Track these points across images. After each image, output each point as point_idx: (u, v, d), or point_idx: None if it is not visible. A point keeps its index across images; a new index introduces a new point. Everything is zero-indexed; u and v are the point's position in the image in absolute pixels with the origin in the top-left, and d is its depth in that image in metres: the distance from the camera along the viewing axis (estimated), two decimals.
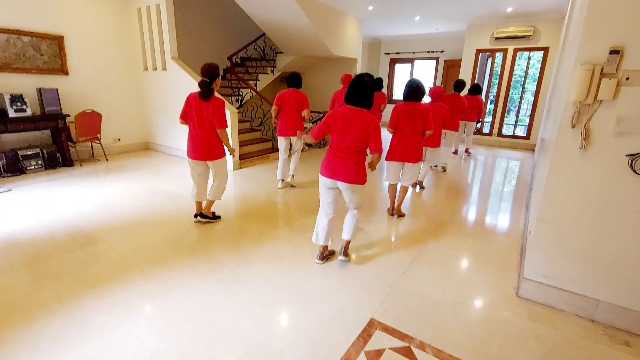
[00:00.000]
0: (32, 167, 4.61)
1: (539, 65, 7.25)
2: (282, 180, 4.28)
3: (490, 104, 8.20)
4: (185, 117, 2.92)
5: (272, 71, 7.08)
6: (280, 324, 1.94)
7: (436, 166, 5.34)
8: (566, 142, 1.85)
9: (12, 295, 2.10)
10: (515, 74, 7.87)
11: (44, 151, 4.73)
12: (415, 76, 10.33)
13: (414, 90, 3.15)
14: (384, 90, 6.56)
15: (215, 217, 3.25)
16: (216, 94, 2.89)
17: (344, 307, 2.08)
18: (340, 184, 2.32)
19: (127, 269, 2.42)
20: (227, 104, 5.00)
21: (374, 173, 5.03)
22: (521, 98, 8.17)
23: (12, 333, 1.78)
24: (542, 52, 6.98)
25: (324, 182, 2.37)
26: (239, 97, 6.37)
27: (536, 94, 7.25)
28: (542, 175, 2.54)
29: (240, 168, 5.21)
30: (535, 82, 7.34)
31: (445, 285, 2.34)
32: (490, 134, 7.94)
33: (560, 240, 1.98)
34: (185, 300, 2.09)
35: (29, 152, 4.58)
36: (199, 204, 3.17)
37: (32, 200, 3.64)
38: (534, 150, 7.05)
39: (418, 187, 4.50)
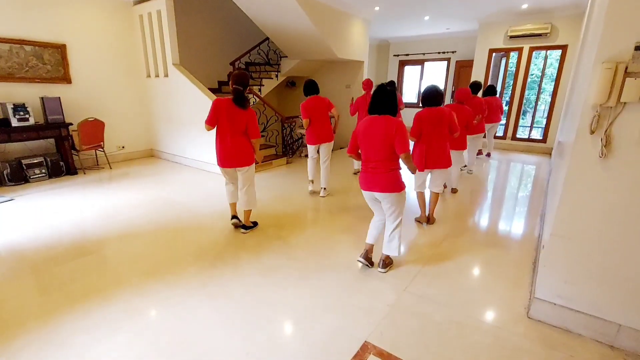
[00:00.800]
0: (36, 176, 4.63)
1: (556, 65, 6.88)
2: (312, 181, 4.28)
3: (505, 105, 7.85)
4: (212, 123, 2.84)
5: (277, 76, 6.98)
6: (268, 346, 1.78)
7: (464, 166, 5.28)
8: (584, 149, 1.63)
9: None
10: (532, 74, 7.51)
11: (48, 160, 4.74)
12: (425, 78, 10.11)
13: (434, 95, 3.11)
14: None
15: (254, 225, 3.24)
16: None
17: (338, 328, 1.92)
18: (378, 195, 2.33)
19: (118, 282, 2.34)
20: None
21: None
22: (537, 99, 7.77)
23: None
24: (560, 50, 6.61)
25: (365, 194, 2.43)
26: None
27: (553, 95, 6.87)
28: (557, 183, 2.30)
29: None
30: (553, 83, 6.96)
31: (450, 303, 2.15)
32: (504, 137, 7.58)
33: (578, 258, 1.77)
34: (170, 318, 1.98)
35: (33, 161, 4.60)
36: (234, 205, 3.18)
37: (32, 210, 3.64)
38: (550, 154, 6.68)
39: (450, 191, 4.42)
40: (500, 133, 7.71)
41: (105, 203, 3.86)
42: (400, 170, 2.31)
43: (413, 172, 2.39)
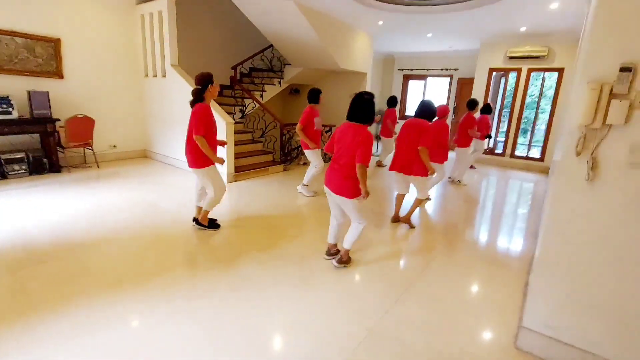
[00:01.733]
0: (15, 172, 4.44)
1: (554, 86, 6.96)
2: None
3: (505, 123, 7.90)
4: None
5: (280, 82, 7.04)
6: None
7: (456, 180, 5.54)
8: (571, 171, 1.62)
9: None
10: (531, 95, 7.58)
11: (30, 156, 4.54)
12: (428, 93, 10.21)
13: (424, 109, 3.36)
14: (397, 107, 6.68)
15: (212, 226, 3.23)
16: (206, 101, 2.85)
17: (310, 354, 1.78)
18: (332, 194, 2.47)
19: (79, 291, 2.18)
20: (224, 114, 4.93)
21: (383, 184, 4.83)
22: (535, 119, 7.83)
23: None
24: (557, 73, 6.72)
25: (325, 189, 2.54)
26: (242, 108, 6.34)
27: (551, 115, 6.95)
28: (547, 204, 2.29)
29: (236, 181, 5.06)
30: (551, 103, 7.04)
31: (434, 329, 2.03)
32: (503, 154, 7.62)
33: (566, 285, 1.69)
34: (141, 331, 1.86)
35: (14, 156, 4.40)
36: (199, 207, 3.19)
37: (4, 207, 3.46)
38: (548, 172, 6.68)
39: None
40: (499, 150, 7.74)
41: (84, 204, 3.68)
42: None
43: (362, 191, 2.32)
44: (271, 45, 7.05)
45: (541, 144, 7.48)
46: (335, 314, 2.13)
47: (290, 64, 7.01)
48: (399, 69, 10.43)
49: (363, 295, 2.36)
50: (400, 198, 3.66)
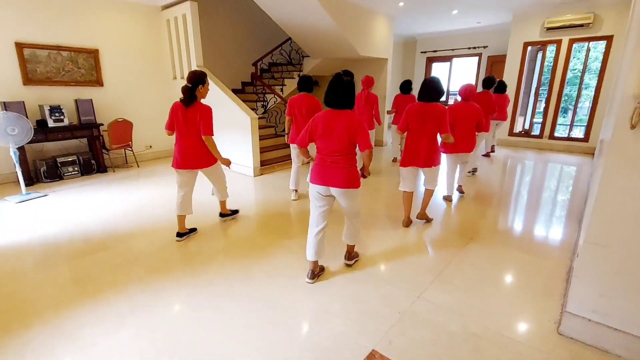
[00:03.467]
0: (69, 173, 4.90)
1: (601, 58, 6.30)
2: (296, 190, 4.02)
3: (542, 103, 7.31)
4: (171, 128, 2.84)
5: (299, 75, 6.97)
6: (268, 351, 1.72)
7: (469, 172, 4.93)
8: (624, 146, 1.44)
9: (14, 300, 2.14)
10: (573, 69, 6.95)
11: (80, 158, 5.02)
12: (454, 75, 9.67)
13: (427, 89, 2.88)
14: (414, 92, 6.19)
15: (234, 212, 3.41)
16: (201, 101, 2.81)
17: (343, 334, 1.82)
18: (334, 190, 2.20)
19: (127, 278, 2.38)
20: (248, 110, 4.98)
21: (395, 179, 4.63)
22: (578, 96, 7.16)
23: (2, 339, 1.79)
24: (605, 42, 6.04)
25: (316, 189, 2.22)
26: (264, 103, 6.36)
27: (597, 91, 6.30)
28: (594, 185, 2.06)
29: (261, 174, 5.14)
30: (596, 77, 6.38)
31: (468, 313, 1.98)
32: (540, 136, 7.07)
33: (616, 268, 1.57)
34: (170, 318, 1.97)
35: (67, 159, 4.88)
36: (182, 219, 2.97)
37: (63, 205, 3.82)
38: (593, 154, 6.12)
39: (459, 193, 4.14)
40: (536, 132, 7.20)
41: (130, 200, 4.01)
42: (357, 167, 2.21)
43: (366, 173, 2.29)
44: (289, 39, 6.99)
45: (585, 123, 6.85)
46: (365, 299, 2.14)
47: (308, 56, 6.92)
48: (421, 52, 9.97)
49: (392, 282, 2.33)
50: (409, 197, 3.19)
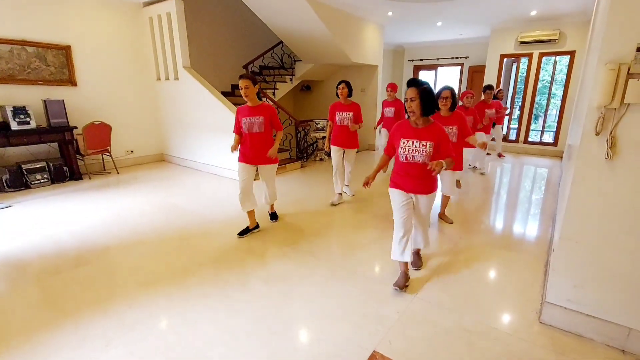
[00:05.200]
0: (37, 181, 4.47)
1: (566, 70, 6.92)
2: (340, 194, 4.06)
3: (517, 110, 7.89)
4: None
5: (291, 79, 7.16)
6: (273, 357, 1.74)
7: (474, 167, 5.58)
8: (590, 151, 1.70)
9: None
10: (542, 80, 7.56)
11: (50, 164, 4.58)
12: (439, 83, 10.16)
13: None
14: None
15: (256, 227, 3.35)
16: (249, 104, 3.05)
17: (347, 338, 1.87)
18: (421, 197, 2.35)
19: (112, 294, 2.24)
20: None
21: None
22: (548, 104, 7.80)
23: None
24: (569, 56, 6.69)
25: (407, 198, 2.32)
26: None
27: (563, 100, 6.93)
28: (566, 186, 2.38)
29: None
30: (562, 87, 7.01)
31: (461, 310, 2.13)
32: (516, 140, 7.63)
33: (587, 261, 1.79)
34: (166, 333, 1.89)
35: (34, 166, 4.43)
36: (252, 214, 3.18)
37: (30, 217, 3.51)
38: (562, 157, 6.68)
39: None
40: (513, 137, 7.76)
41: (109, 210, 3.73)
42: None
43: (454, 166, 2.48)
44: (281, 42, 7.13)
45: (554, 129, 7.47)
46: (366, 301, 2.21)
47: (301, 60, 7.10)
48: (409, 60, 10.43)
49: (390, 282, 2.40)
50: (446, 200, 3.54)
